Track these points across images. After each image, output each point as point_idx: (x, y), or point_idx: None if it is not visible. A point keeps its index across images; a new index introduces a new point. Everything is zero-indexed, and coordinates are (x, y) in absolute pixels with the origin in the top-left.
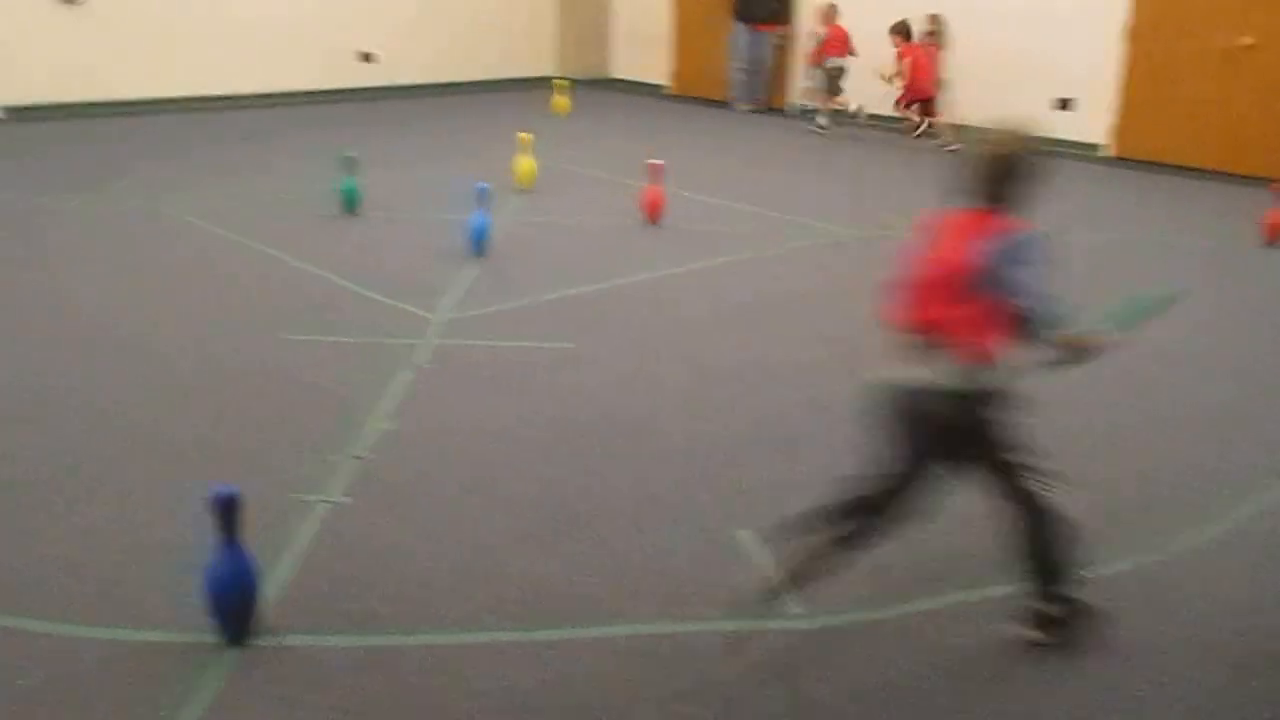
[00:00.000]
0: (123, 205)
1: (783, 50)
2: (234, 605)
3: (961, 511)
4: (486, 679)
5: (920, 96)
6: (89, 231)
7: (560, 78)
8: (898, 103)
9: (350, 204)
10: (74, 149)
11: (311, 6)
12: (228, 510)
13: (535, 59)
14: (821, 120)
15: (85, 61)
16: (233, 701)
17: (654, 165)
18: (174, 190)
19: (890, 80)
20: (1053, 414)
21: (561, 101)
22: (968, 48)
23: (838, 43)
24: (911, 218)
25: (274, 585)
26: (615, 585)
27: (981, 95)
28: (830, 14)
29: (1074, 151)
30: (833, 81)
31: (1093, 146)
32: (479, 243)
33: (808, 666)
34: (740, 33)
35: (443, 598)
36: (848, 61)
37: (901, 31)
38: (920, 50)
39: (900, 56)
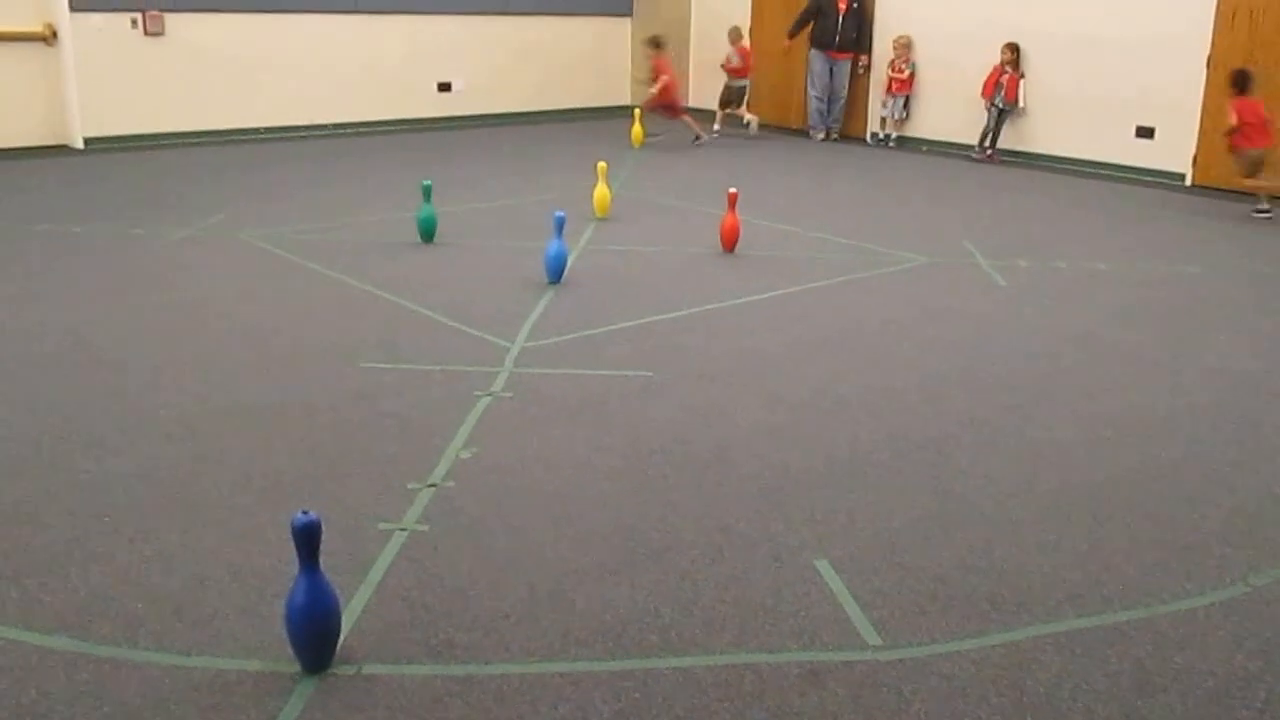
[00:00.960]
0: (203, 233)
1: (861, 78)
2: (314, 634)
3: (1038, 540)
4: (564, 708)
5: (666, 104)
6: (168, 259)
7: (637, 107)
8: (644, 106)
9: (428, 232)
10: (154, 179)
11: (392, 39)
12: (309, 538)
13: (612, 88)
14: (715, 128)
15: (166, 93)
16: None
17: (731, 194)
18: (253, 218)
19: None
20: None
21: (639, 131)
22: (1048, 77)
23: (744, 62)
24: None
25: (352, 614)
26: (691, 616)
27: (1062, 125)
28: (736, 36)
29: (1157, 180)
30: (733, 95)
31: (1176, 175)
32: (556, 271)
33: (885, 700)
34: (817, 61)
35: (519, 627)
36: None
37: (656, 45)
38: (664, 62)
39: (656, 72)
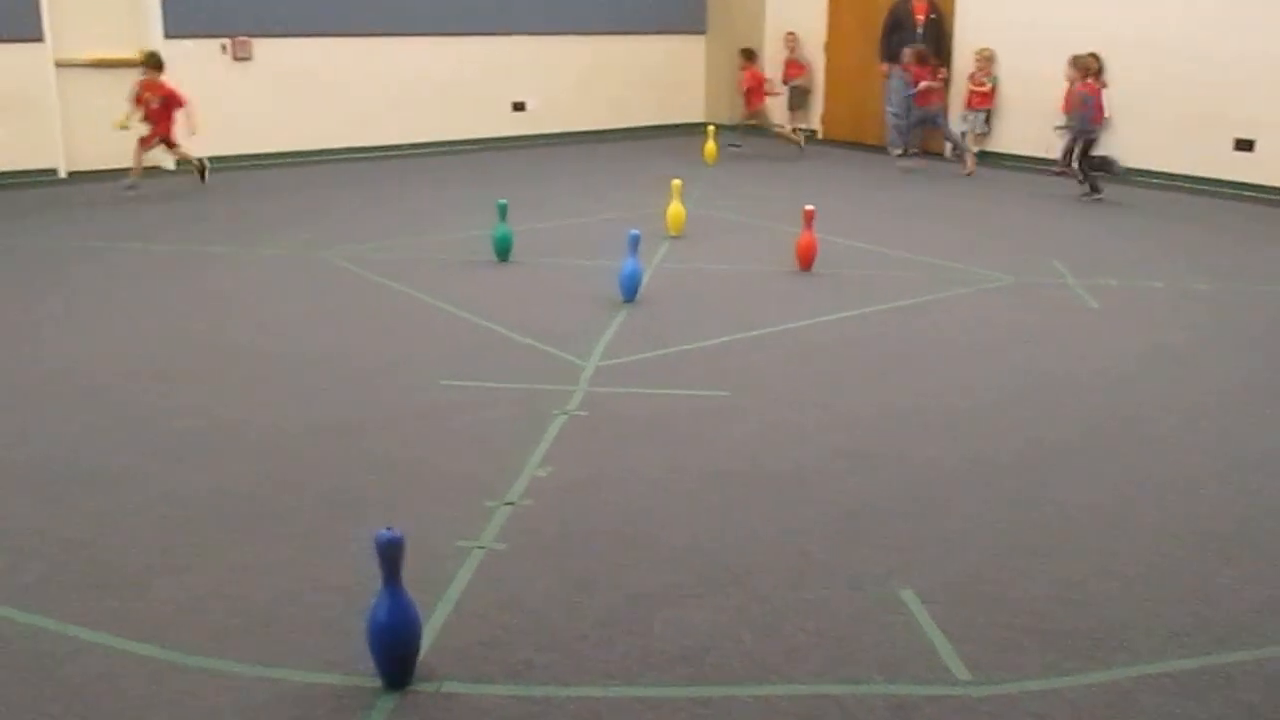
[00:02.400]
0: (284, 252)
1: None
2: (396, 650)
3: (1138, 574)
4: None
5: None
6: (249, 277)
7: (711, 124)
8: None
9: (503, 251)
10: (240, 199)
11: (467, 60)
12: (392, 554)
13: (686, 106)
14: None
15: (253, 115)
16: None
17: (808, 211)
18: (332, 237)
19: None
20: None
21: (713, 148)
22: (1139, 86)
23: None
24: None
25: (431, 631)
26: (771, 642)
27: (1152, 137)
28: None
29: (1258, 196)
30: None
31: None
32: (630, 289)
33: None
34: (894, 76)
35: (597, 649)
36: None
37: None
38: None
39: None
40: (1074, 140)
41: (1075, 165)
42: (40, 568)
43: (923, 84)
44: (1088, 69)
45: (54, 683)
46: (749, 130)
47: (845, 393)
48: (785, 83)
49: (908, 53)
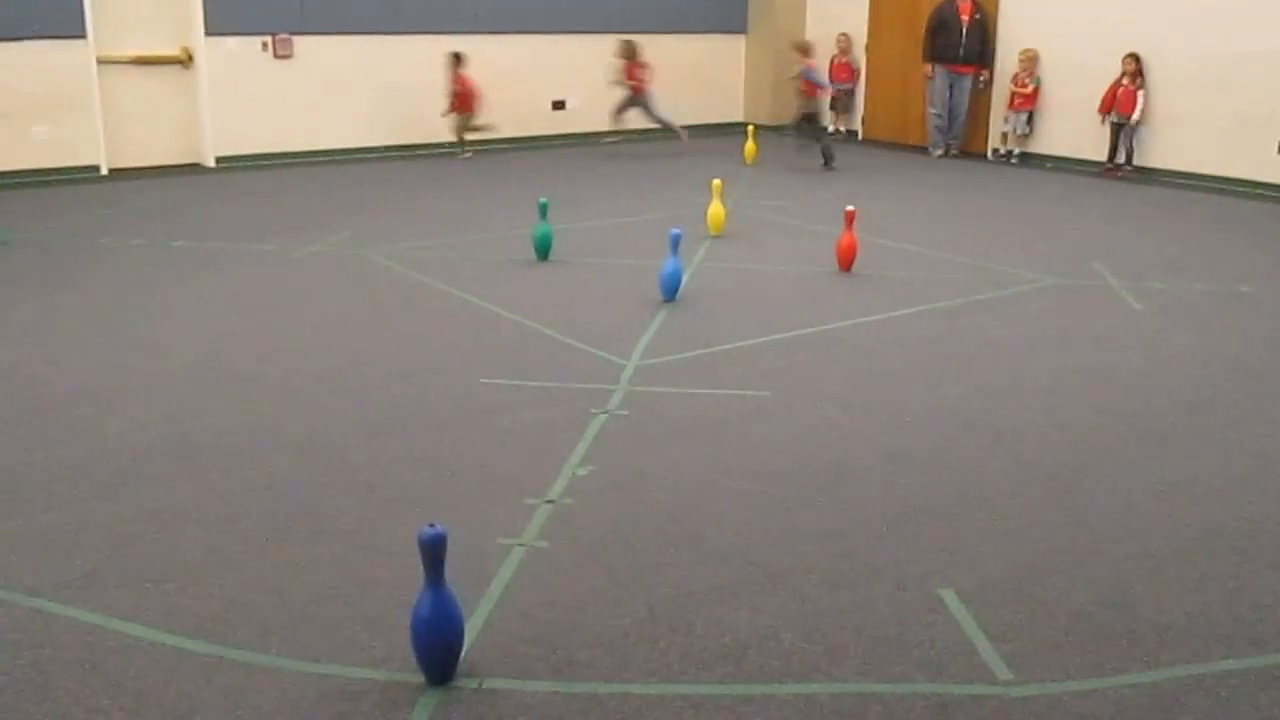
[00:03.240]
0: (328, 250)
1: (982, 93)
2: (439, 647)
3: (1181, 577)
4: None
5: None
6: (292, 274)
7: (751, 124)
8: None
9: (544, 250)
10: (282, 197)
11: (507, 58)
12: (435, 551)
13: (727, 105)
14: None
15: (294, 113)
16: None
17: (849, 212)
18: (373, 235)
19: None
20: None
21: (751, 148)
22: (1178, 90)
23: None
24: None
25: (474, 628)
26: (813, 642)
27: (1196, 140)
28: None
29: None
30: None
31: None
32: (671, 289)
33: None
34: (937, 75)
35: (639, 647)
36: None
37: (803, 50)
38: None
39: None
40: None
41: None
42: (90, 563)
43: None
44: (804, 49)
45: (102, 676)
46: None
47: (887, 393)
48: (831, 84)
49: (620, 46)
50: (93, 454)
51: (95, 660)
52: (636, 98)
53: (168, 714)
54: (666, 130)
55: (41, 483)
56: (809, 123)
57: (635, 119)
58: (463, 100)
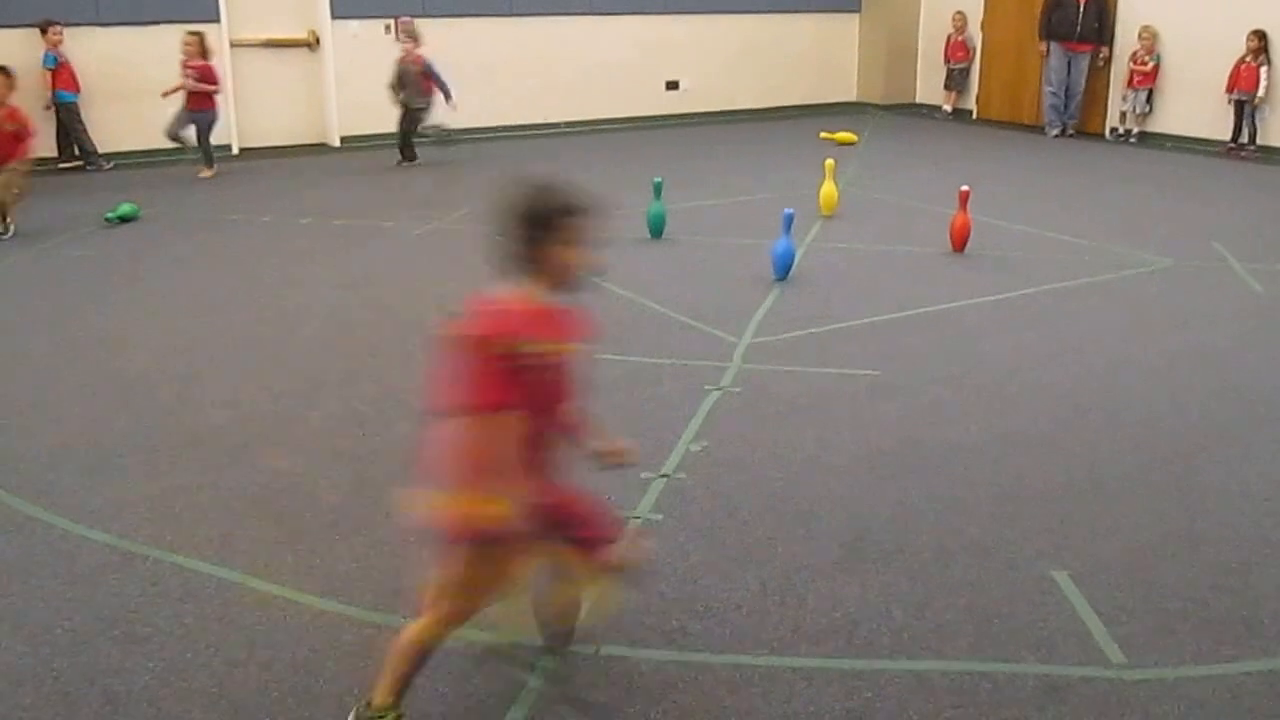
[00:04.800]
0: (446, 226)
1: (1100, 71)
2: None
3: None
4: (796, 703)
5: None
6: (412, 251)
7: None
8: None
9: (657, 229)
10: (402, 176)
11: (622, 39)
12: None
13: (840, 85)
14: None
15: None
16: (555, 704)
17: (963, 191)
18: (492, 213)
19: None
20: None
21: (844, 135)
22: None
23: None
24: None
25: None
26: (923, 619)
27: None
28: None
29: None
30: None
31: None
32: (783, 268)
33: (1131, 719)
34: (1054, 54)
35: (751, 619)
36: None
37: None
38: None
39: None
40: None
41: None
42: (225, 523)
43: (189, 84)
44: (413, 36)
45: (239, 630)
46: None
47: (1000, 376)
48: (947, 63)
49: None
50: (226, 420)
51: (232, 615)
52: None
53: (299, 668)
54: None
55: (178, 447)
56: (412, 119)
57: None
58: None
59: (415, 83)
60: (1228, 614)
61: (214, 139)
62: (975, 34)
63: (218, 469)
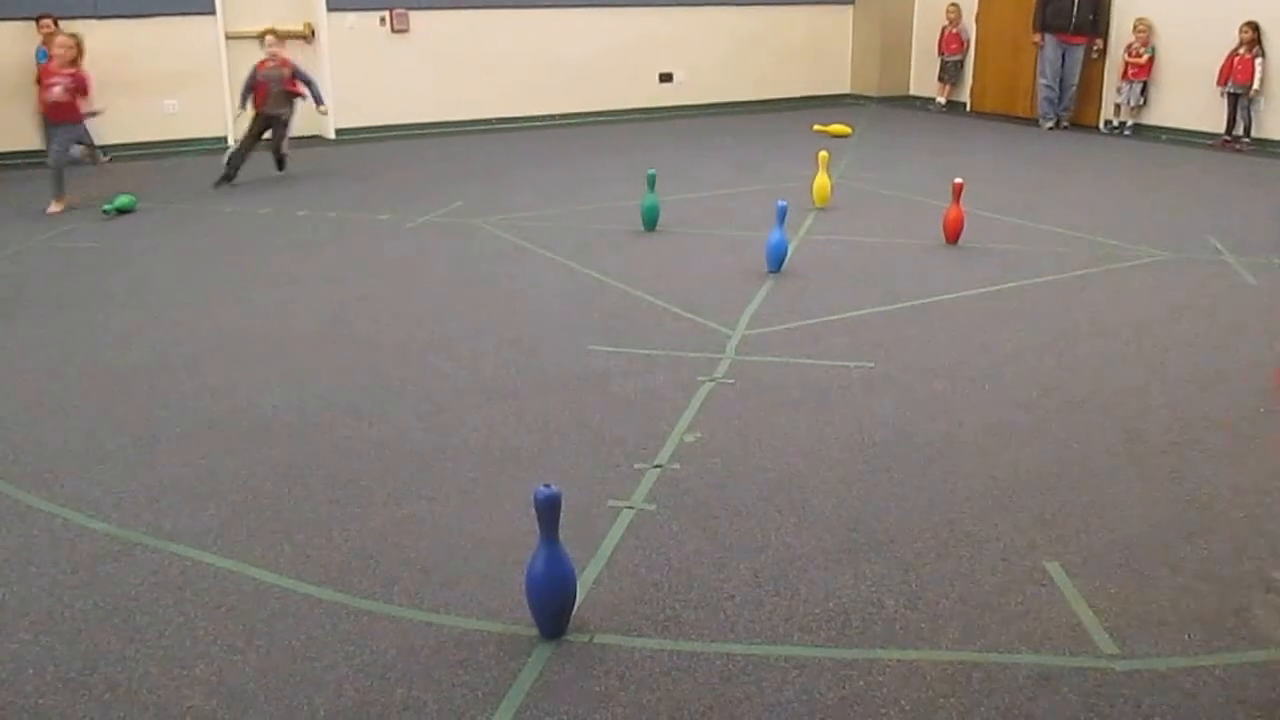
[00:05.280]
0: (442, 219)
1: (1094, 63)
2: (553, 602)
3: None
4: (788, 691)
5: None
6: (406, 243)
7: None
8: None
9: (651, 220)
10: (398, 168)
11: (615, 31)
12: (551, 510)
13: (833, 78)
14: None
15: (409, 86)
16: (549, 692)
17: (956, 184)
18: (484, 205)
19: None
20: None
21: (838, 127)
22: None
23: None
24: None
25: (584, 585)
26: (916, 609)
27: None
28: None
29: None
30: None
31: None
32: (776, 260)
33: (1122, 712)
34: (1049, 45)
35: (744, 609)
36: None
37: None
38: None
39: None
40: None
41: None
42: (223, 514)
43: (56, 89)
44: (281, 41)
45: (238, 618)
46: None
47: (993, 367)
48: (941, 55)
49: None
50: (223, 412)
51: (231, 604)
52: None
53: (297, 656)
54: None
55: (175, 438)
56: (279, 131)
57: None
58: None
59: (282, 90)
60: (1219, 605)
61: (209, 131)
62: (970, 26)
63: (216, 459)
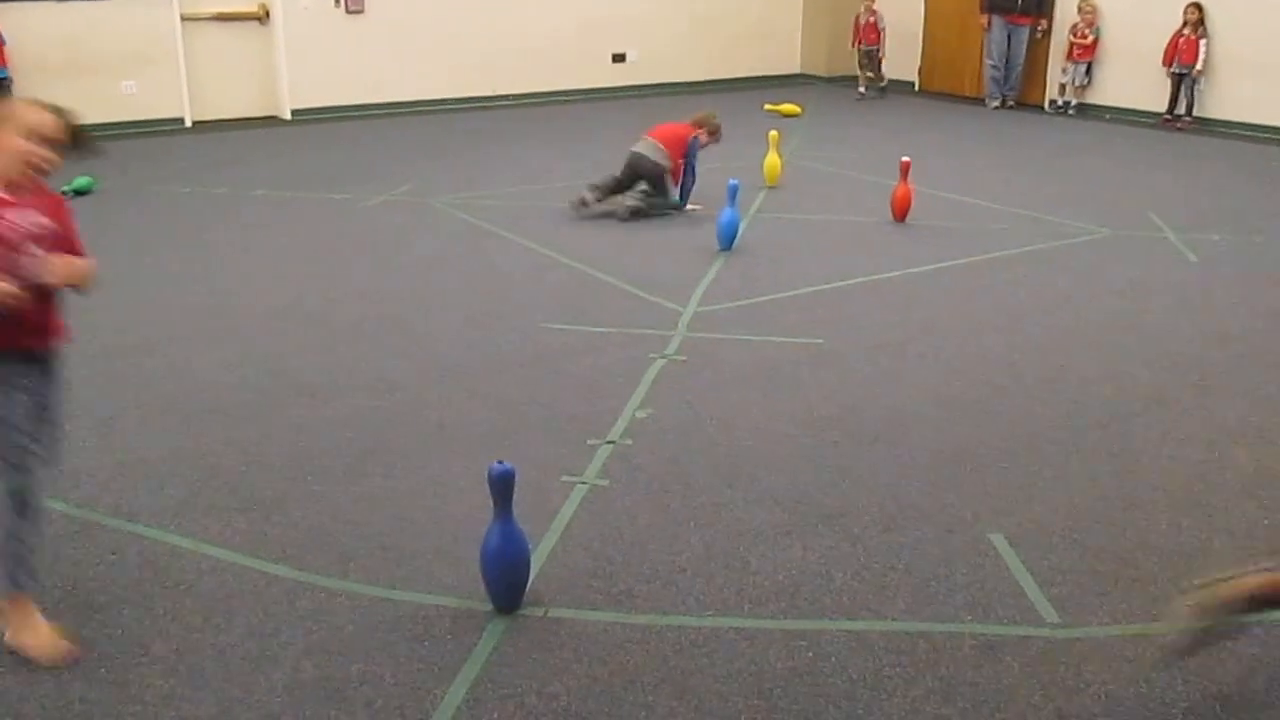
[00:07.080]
0: (398, 198)
1: (1040, 43)
2: (507, 577)
3: (1230, 525)
4: (739, 662)
5: None
6: (367, 223)
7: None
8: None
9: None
10: (354, 148)
11: (568, 11)
12: (505, 487)
13: (783, 57)
14: None
15: (364, 67)
16: (504, 665)
17: (904, 162)
18: (442, 185)
19: None
20: None
21: (788, 107)
22: (1241, 40)
23: None
24: None
25: (539, 560)
26: (863, 581)
27: (1258, 90)
28: None
29: None
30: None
31: None
32: (728, 238)
33: (1064, 678)
34: (995, 26)
35: (696, 582)
36: None
37: None
38: None
39: None
40: None
41: None
42: (182, 492)
43: None
44: None
45: (195, 596)
46: None
47: (940, 343)
48: (854, 46)
49: None
50: (181, 391)
51: (189, 581)
52: None
53: (255, 632)
54: None
55: (135, 418)
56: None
57: None
58: None
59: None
60: (1159, 574)
61: (166, 112)
62: (917, 3)
63: (174, 439)
